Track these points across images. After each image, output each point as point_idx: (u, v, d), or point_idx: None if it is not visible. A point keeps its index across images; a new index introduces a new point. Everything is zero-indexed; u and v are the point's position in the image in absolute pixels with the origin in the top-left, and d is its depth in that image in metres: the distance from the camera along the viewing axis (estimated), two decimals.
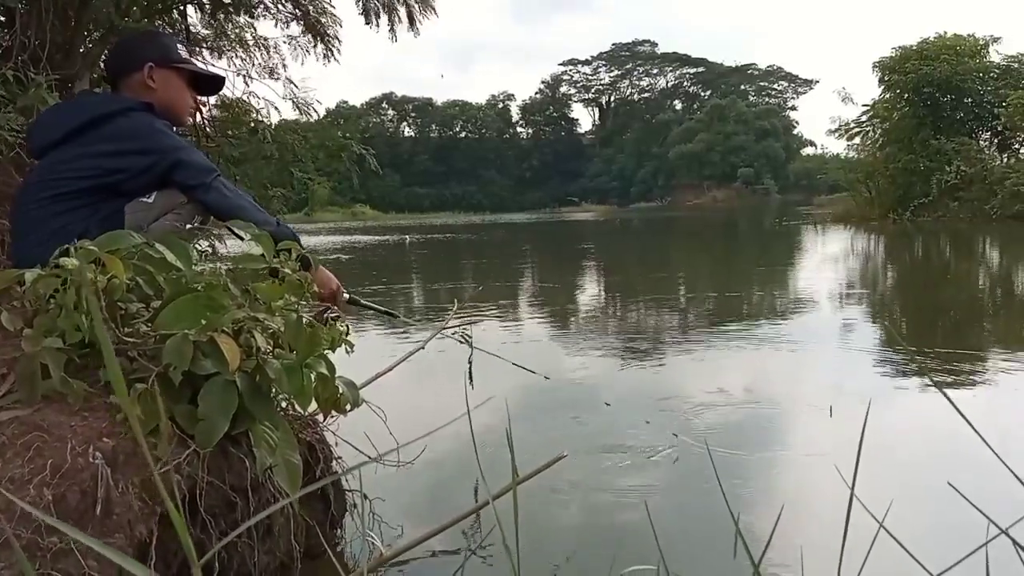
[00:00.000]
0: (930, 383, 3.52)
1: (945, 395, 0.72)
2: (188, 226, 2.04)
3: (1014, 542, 0.60)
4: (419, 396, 3.42)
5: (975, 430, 0.65)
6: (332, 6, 8.40)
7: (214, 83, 2.37)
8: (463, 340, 2.57)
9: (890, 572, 1.00)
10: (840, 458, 2.47)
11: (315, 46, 8.69)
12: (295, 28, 8.60)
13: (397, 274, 11.36)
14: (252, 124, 8.02)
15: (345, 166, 8.67)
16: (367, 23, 8.59)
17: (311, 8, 8.27)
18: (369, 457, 1.86)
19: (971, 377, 3.74)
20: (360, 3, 8.59)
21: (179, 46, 2.23)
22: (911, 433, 2.84)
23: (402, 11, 8.59)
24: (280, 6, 8.19)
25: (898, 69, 23.32)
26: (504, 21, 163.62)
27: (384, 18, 8.64)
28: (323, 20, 8.56)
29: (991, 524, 0.62)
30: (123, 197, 1.96)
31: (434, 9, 8.67)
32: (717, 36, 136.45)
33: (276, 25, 8.42)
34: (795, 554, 1.65)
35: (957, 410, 0.65)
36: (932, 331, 5.32)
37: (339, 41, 8.72)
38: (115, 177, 1.95)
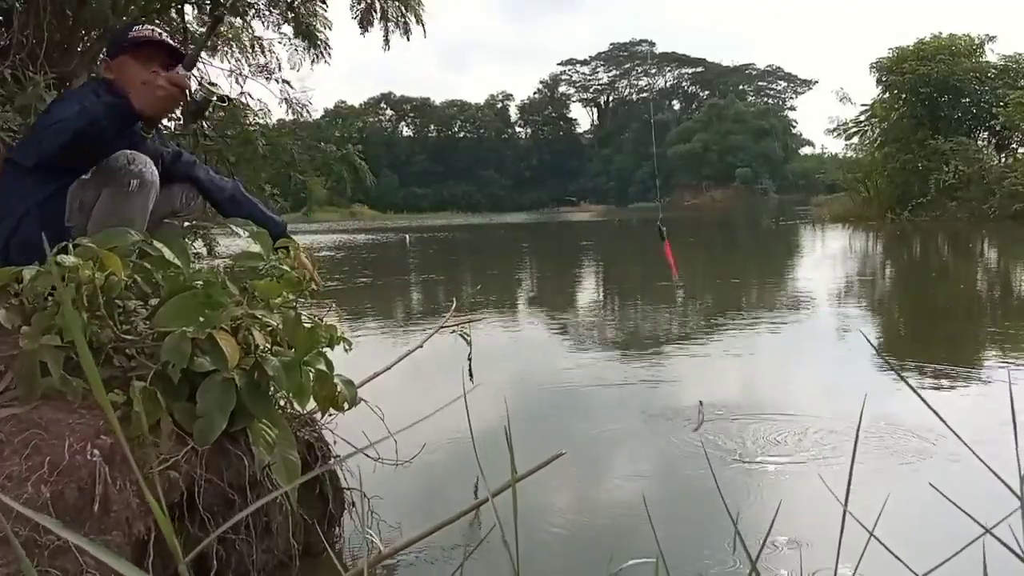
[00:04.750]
0: (913, 381, 3.52)
1: (919, 395, 0.73)
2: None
3: (999, 540, 0.60)
4: (418, 395, 3.42)
5: (952, 430, 0.65)
6: (325, 6, 8.43)
7: (169, 47, 2.18)
8: (462, 337, 2.57)
9: (889, 567, 1.00)
10: (840, 453, 2.48)
11: (308, 49, 8.74)
12: (289, 31, 8.65)
13: (397, 272, 11.36)
14: (250, 126, 8.02)
15: (341, 173, 8.72)
16: (362, 30, 8.65)
17: (303, 10, 8.31)
18: (367, 455, 1.86)
19: (966, 372, 3.75)
20: (356, 11, 8.64)
21: (138, 28, 2.16)
22: (911, 428, 2.84)
23: (399, 22, 8.68)
24: (272, 8, 8.23)
25: (895, 70, 23.34)
26: (499, 20, 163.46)
27: (379, 27, 8.73)
28: (314, 23, 8.59)
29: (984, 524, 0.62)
30: (68, 175, 1.95)
31: (424, 26, 8.78)
32: (715, 36, 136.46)
33: (266, 25, 8.47)
34: (792, 549, 1.65)
35: (932, 410, 0.65)
36: (929, 327, 5.33)
37: (329, 48, 8.77)
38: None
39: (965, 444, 0.63)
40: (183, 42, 6.83)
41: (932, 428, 2.86)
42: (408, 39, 8.82)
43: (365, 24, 8.61)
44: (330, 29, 8.64)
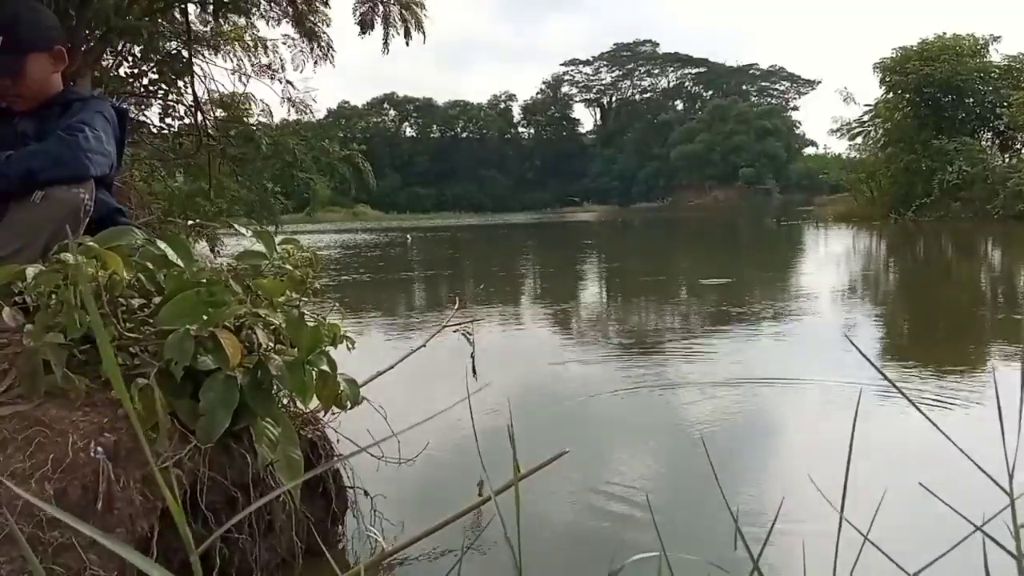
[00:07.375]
0: (914, 376, 3.51)
1: (907, 397, 0.72)
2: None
3: (990, 537, 0.60)
4: (422, 393, 3.43)
5: (944, 433, 0.65)
6: (328, 7, 8.46)
7: None
8: (464, 336, 2.57)
9: (890, 562, 1.00)
10: (842, 448, 2.47)
11: (312, 50, 8.77)
12: (291, 30, 8.66)
13: (399, 270, 11.37)
14: (253, 127, 8.04)
15: (344, 174, 8.75)
16: (362, 33, 8.68)
17: (306, 9, 8.33)
18: (370, 454, 1.86)
19: (964, 370, 3.74)
20: (356, 14, 8.66)
21: None
22: (908, 429, 2.84)
23: (399, 26, 8.71)
24: (275, 6, 8.25)
25: (899, 70, 23.28)
26: (501, 21, 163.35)
27: (380, 30, 8.77)
28: (316, 22, 8.61)
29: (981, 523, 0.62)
30: None
31: (424, 32, 8.79)
32: (718, 37, 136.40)
33: (268, 24, 8.49)
34: (794, 547, 1.65)
35: (924, 415, 0.65)
36: (929, 325, 5.32)
37: (333, 49, 8.78)
38: None
39: (956, 445, 0.63)
40: (186, 42, 6.85)
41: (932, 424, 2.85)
42: (408, 43, 8.87)
43: (365, 28, 8.64)
44: (328, 25, 8.66)
